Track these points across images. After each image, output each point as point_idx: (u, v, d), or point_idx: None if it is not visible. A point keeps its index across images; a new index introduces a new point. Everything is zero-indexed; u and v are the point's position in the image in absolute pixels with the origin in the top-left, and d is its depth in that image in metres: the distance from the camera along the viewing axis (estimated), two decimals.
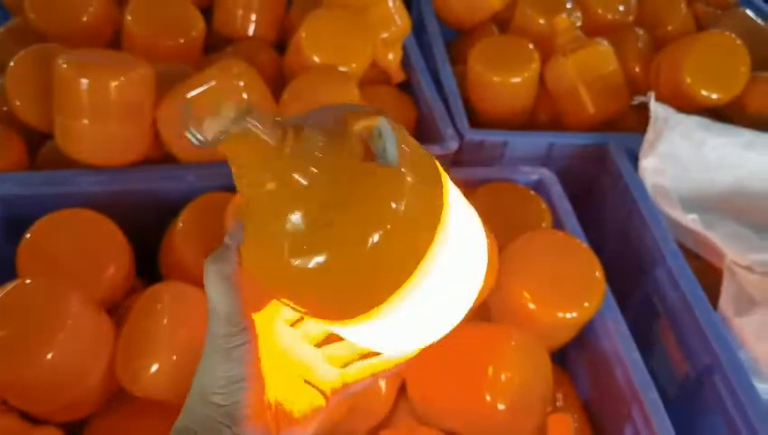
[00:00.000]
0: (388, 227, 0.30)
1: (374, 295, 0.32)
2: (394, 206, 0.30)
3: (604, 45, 0.97)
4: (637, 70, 1.03)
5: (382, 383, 0.62)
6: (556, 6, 1.01)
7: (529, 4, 1.04)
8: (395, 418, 0.64)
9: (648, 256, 0.80)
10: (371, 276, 0.31)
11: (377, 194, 0.31)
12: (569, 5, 1.01)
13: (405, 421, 0.64)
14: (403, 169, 0.31)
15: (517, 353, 0.60)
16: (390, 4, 0.94)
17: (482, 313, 0.71)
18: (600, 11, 1.08)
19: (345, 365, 0.40)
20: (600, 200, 0.93)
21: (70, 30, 0.87)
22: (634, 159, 0.86)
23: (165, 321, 0.59)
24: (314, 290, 0.32)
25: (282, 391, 0.36)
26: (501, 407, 0.58)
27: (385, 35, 0.94)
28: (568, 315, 0.65)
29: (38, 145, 0.84)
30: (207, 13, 0.97)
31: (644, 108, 0.89)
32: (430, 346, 0.39)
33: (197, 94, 0.29)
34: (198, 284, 0.63)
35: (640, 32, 1.06)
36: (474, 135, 0.89)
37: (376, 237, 0.30)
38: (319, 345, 0.40)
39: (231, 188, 0.74)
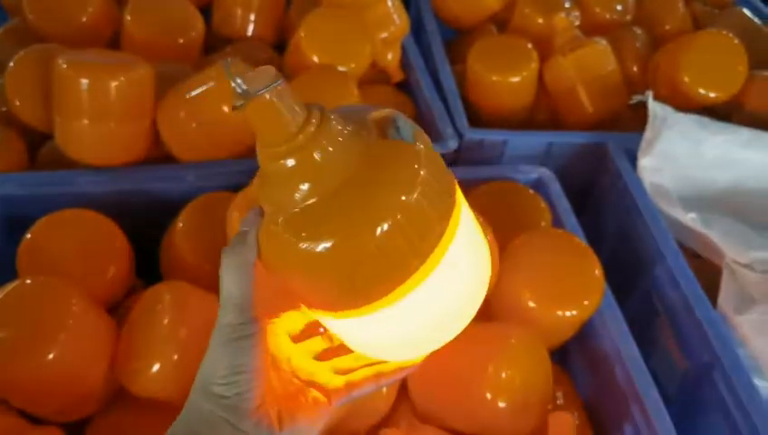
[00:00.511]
0: (399, 216, 0.30)
1: (383, 284, 0.32)
2: (412, 180, 0.31)
3: (602, 45, 0.97)
4: (635, 69, 1.03)
5: None
6: (555, 6, 1.02)
7: (528, 3, 1.04)
8: (395, 416, 0.64)
9: (647, 255, 0.80)
10: (382, 263, 0.31)
11: (394, 166, 0.31)
12: (567, 5, 1.02)
13: (405, 420, 0.64)
14: (419, 145, 0.32)
15: (517, 351, 0.60)
16: (389, 3, 0.94)
17: (482, 311, 0.71)
18: (598, 10, 1.09)
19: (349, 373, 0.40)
20: (599, 199, 0.93)
21: (69, 30, 0.87)
22: (633, 158, 0.86)
23: (165, 321, 0.59)
24: (326, 272, 0.32)
25: (285, 390, 0.36)
26: (501, 405, 0.58)
27: (384, 35, 0.94)
28: (567, 314, 0.66)
29: (38, 145, 0.84)
30: (207, 13, 0.97)
31: (642, 107, 0.89)
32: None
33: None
34: (198, 283, 0.64)
35: (638, 31, 1.06)
36: (473, 134, 0.89)
37: (386, 225, 0.30)
38: (320, 359, 0.40)
39: (230, 188, 0.74)
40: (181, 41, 0.88)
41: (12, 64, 0.79)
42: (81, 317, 0.58)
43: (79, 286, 0.60)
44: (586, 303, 0.66)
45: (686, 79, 0.93)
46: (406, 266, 0.32)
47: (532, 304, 0.66)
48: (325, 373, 0.39)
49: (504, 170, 0.85)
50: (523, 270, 0.68)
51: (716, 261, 0.78)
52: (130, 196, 0.76)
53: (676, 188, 0.85)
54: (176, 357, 0.57)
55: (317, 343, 0.40)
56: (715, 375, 0.67)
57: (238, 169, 0.77)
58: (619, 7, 1.09)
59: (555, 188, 0.83)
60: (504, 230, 0.69)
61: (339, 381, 0.39)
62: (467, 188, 0.71)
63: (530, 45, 0.97)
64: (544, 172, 0.84)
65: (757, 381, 0.65)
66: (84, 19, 0.87)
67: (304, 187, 0.31)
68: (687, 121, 0.87)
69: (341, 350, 0.40)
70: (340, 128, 0.31)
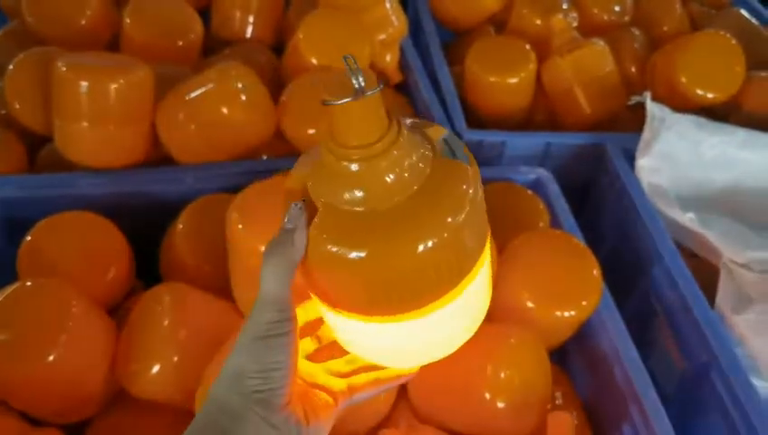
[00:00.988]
0: (445, 235, 0.31)
1: (419, 298, 0.33)
2: (466, 195, 0.32)
3: (600, 46, 0.97)
4: (633, 70, 1.03)
5: None
6: (552, 7, 1.02)
7: (525, 4, 1.04)
8: (395, 416, 0.64)
9: (645, 255, 0.80)
10: (423, 277, 0.32)
11: (449, 185, 0.32)
12: (565, 6, 1.02)
13: (405, 420, 0.64)
14: (474, 168, 0.34)
15: (516, 352, 0.60)
16: (387, 5, 0.94)
17: None
18: (596, 11, 1.09)
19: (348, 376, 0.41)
20: (597, 200, 0.94)
21: (68, 33, 0.87)
22: (631, 158, 0.87)
23: (165, 322, 0.59)
24: (365, 278, 0.32)
25: (299, 389, 0.37)
26: (500, 405, 0.58)
27: (382, 37, 0.95)
28: (566, 314, 0.66)
29: (37, 148, 0.84)
30: (206, 15, 0.98)
31: (640, 108, 0.89)
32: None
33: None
34: (198, 285, 0.64)
35: (636, 32, 1.07)
36: (472, 135, 0.89)
37: (431, 243, 0.31)
38: (312, 359, 0.41)
39: (230, 190, 0.74)
40: (180, 43, 0.88)
41: (11, 67, 0.79)
42: (81, 319, 0.58)
43: (79, 288, 0.60)
44: (584, 303, 0.66)
45: (684, 80, 0.93)
46: (445, 284, 0.33)
47: (530, 305, 0.66)
48: (321, 375, 0.39)
49: (503, 171, 0.85)
50: (521, 270, 0.68)
51: (714, 261, 0.78)
52: (130, 198, 0.76)
53: (674, 188, 0.85)
54: (175, 358, 0.57)
55: (307, 344, 0.41)
56: (713, 375, 0.68)
57: (237, 171, 0.77)
58: (616, 8, 1.10)
59: (553, 188, 0.83)
60: (502, 231, 0.69)
61: (342, 384, 0.40)
62: None
63: (528, 46, 0.97)
64: (543, 173, 0.85)
65: (755, 381, 0.65)
66: (83, 22, 0.87)
67: (359, 193, 0.32)
68: (685, 122, 0.87)
69: (333, 351, 0.40)
70: (411, 145, 0.32)
